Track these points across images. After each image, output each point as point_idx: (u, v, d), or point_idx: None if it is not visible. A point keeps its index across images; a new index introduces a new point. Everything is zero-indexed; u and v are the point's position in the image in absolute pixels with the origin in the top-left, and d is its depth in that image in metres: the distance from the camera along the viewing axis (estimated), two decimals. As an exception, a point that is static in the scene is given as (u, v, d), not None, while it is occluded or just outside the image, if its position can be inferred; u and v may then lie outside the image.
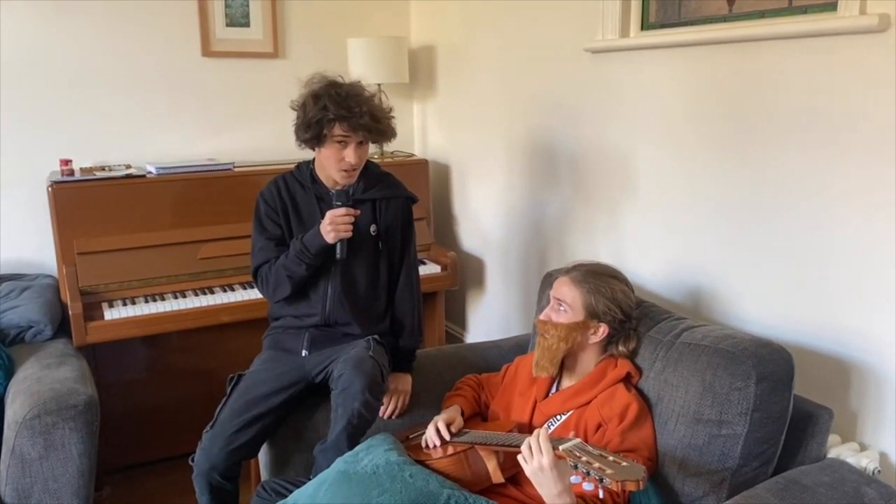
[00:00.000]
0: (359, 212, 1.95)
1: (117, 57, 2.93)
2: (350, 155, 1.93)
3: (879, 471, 1.63)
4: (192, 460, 1.91)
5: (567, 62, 2.53)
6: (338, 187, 2.02)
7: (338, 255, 1.95)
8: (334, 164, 1.95)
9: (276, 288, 2.03)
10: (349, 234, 1.93)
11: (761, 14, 1.89)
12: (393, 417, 2.02)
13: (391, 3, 3.47)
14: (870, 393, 1.71)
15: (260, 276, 2.06)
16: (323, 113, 1.88)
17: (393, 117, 2.01)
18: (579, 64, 2.47)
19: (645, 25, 2.25)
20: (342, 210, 1.91)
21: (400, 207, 2.09)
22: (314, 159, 2.06)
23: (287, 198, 2.04)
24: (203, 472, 1.88)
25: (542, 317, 1.77)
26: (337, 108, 1.87)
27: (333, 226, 1.90)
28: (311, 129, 1.91)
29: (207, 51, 3.07)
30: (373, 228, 2.05)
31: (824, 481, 1.47)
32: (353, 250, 1.98)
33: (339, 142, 1.92)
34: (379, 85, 3.25)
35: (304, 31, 3.28)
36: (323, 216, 1.95)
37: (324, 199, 2.03)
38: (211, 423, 1.91)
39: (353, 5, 3.37)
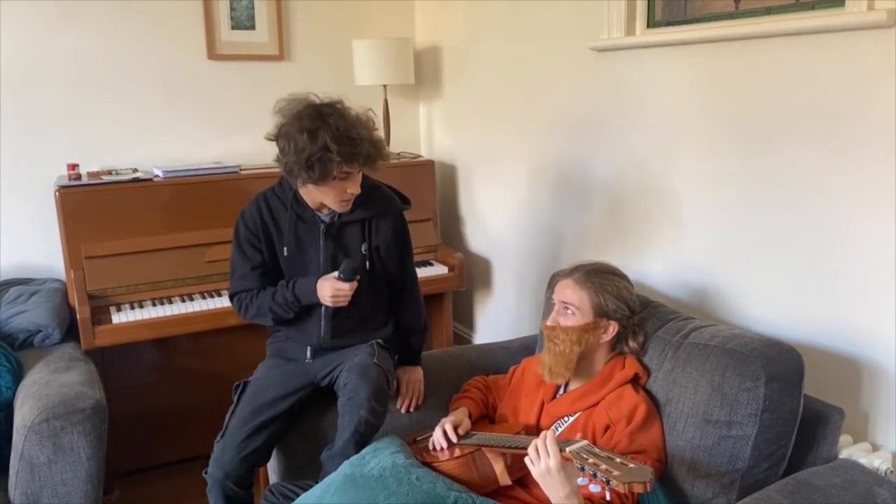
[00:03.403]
0: (357, 283, 1.89)
1: (123, 61, 2.94)
2: (353, 187, 1.87)
3: (892, 471, 1.61)
4: (206, 473, 1.89)
5: (572, 61, 2.52)
6: (324, 211, 1.96)
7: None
8: (335, 197, 1.88)
9: (255, 317, 2.00)
10: (346, 304, 1.89)
11: (768, 10, 1.88)
12: (411, 410, 2.02)
13: (396, 5, 3.47)
14: (881, 392, 1.69)
15: (239, 301, 2.02)
16: (325, 153, 1.76)
17: (377, 129, 1.92)
18: (585, 63, 2.46)
19: (651, 23, 2.23)
20: (346, 286, 1.87)
21: (391, 224, 2.03)
22: None
23: (269, 219, 1.98)
24: (218, 481, 1.86)
25: (549, 322, 1.75)
26: (341, 148, 1.76)
27: (334, 298, 1.87)
28: (315, 170, 1.78)
29: (213, 54, 3.08)
30: (363, 247, 2.00)
31: (836, 482, 1.46)
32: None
33: (343, 178, 1.84)
34: (385, 86, 3.26)
35: (309, 34, 3.28)
36: (303, 237, 1.94)
37: (305, 220, 1.97)
38: (221, 433, 1.90)
39: (358, 7, 3.36)
